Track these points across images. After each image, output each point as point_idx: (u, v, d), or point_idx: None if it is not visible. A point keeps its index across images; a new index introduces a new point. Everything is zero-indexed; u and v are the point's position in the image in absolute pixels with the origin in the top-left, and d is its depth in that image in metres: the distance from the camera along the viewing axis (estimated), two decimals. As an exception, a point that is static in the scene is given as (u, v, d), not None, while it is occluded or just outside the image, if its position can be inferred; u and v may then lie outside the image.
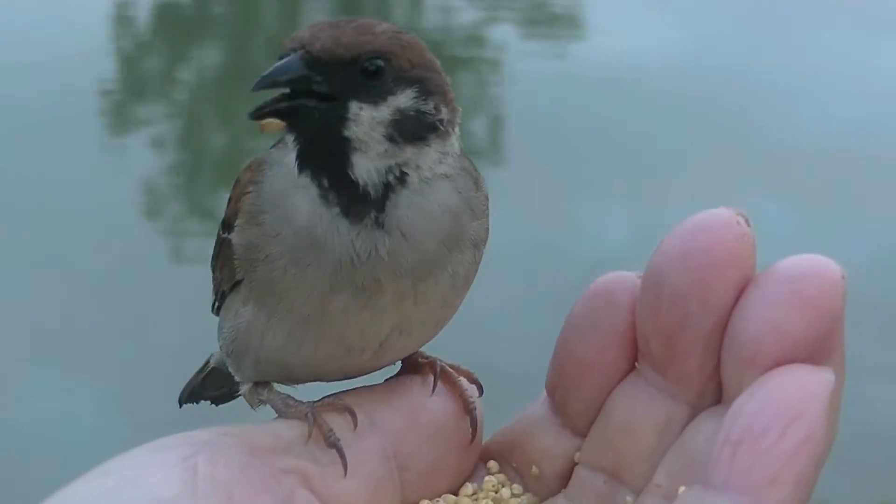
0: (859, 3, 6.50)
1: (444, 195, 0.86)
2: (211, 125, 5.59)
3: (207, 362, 1.10)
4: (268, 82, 0.83)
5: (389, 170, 0.84)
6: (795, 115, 5.18)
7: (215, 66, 6.16)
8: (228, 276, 0.90)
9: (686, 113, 5.20)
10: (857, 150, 4.87)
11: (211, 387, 1.11)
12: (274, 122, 0.84)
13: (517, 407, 0.90)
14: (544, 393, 0.87)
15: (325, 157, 0.84)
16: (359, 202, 0.83)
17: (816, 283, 0.74)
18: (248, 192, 0.88)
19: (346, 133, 0.83)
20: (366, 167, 0.83)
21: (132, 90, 5.69)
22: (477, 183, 0.90)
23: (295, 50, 0.83)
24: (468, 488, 0.85)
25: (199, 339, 1.12)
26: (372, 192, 0.83)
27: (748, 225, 0.76)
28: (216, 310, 0.97)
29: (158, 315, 3.48)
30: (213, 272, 0.95)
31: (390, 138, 0.84)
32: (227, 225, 0.91)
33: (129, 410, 3.19)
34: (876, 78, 5.57)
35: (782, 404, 0.71)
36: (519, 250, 3.88)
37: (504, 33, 6.35)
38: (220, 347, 0.95)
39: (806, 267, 0.75)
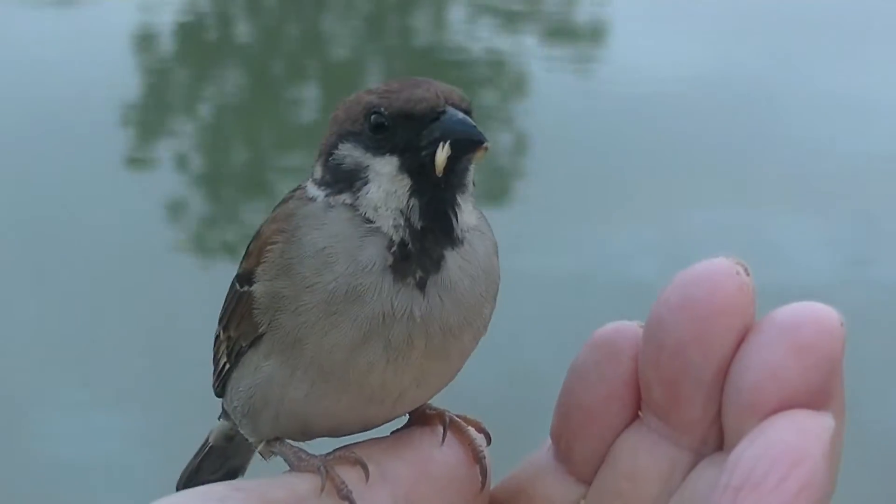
0: (889, 20, 6.47)
1: (480, 251, 0.89)
2: (234, 145, 5.63)
3: (206, 441, 1.12)
4: (481, 136, 0.85)
5: (475, 230, 0.88)
6: (822, 133, 5.17)
7: (237, 86, 6.20)
8: (248, 330, 0.91)
9: (711, 129, 5.20)
10: (884, 166, 4.85)
11: (208, 469, 1.12)
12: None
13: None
14: (548, 440, 0.88)
15: (450, 186, 0.86)
16: (421, 251, 0.85)
17: (814, 330, 0.75)
18: (275, 243, 0.89)
19: (466, 181, 0.87)
20: (464, 220, 0.87)
21: (156, 110, 5.74)
22: (489, 226, 0.92)
23: (445, 105, 0.85)
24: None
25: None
26: (458, 242, 0.86)
27: (747, 274, 0.78)
28: (220, 378, 0.97)
29: (183, 331, 3.50)
30: (225, 332, 0.95)
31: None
32: (245, 278, 0.91)
33: (154, 434, 3.21)
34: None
35: (782, 450, 0.72)
36: (544, 273, 3.88)
37: (527, 48, 6.35)
38: (234, 409, 0.95)
39: (804, 314, 0.76)
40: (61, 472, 3.26)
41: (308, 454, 0.87)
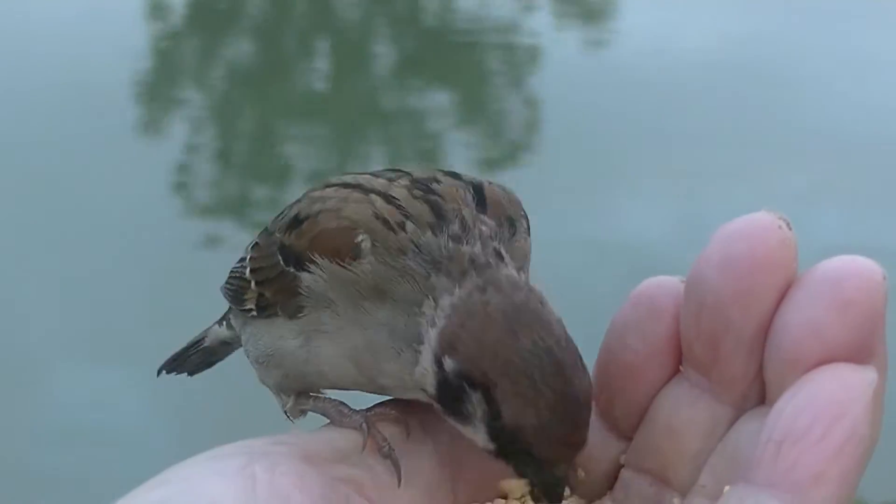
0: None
1: None
2: (243, 114, 5.63)
3: (202, 340, 1.14)
4: None
5: None
6: (836, 106, 5.14)
7: (248, 59, 6.19)
8: (287, 306, 0.90)
9: (724, 102, 5.17)
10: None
11: (193, 361, 1.16)
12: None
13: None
14: None
15: None
16: None
17: (857, 284, 0.75)
18: (339, 253, 0.86)
19: None
20: None
21: (166, 81, 5.73)
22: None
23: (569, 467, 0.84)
24: (516, 491, 0.87)
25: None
26: None
27: (789, 229, 0.77)
28: (241, 313, 0.99)
29: (193, 304, 3.50)
30: (257, 286, 0.95)
31: None
32: (292, 258, 0.90)
33: (167, 400, 3.22)
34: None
35: (825, 403, 0.72)
36: (558, 242, 3.88)
37: (539, 21, 6.33)
38: (247, 351, 0.97)
39: (846, 268, 0.75)
40: (75, 437, 3.28)
41: (350, 409, 0.87)
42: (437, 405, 0.84)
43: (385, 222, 0.86)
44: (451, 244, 0.84)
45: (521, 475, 0.84)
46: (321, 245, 0.87)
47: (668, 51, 5.57)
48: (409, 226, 0.85)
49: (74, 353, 3.60)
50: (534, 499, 0.84)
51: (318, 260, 0.87)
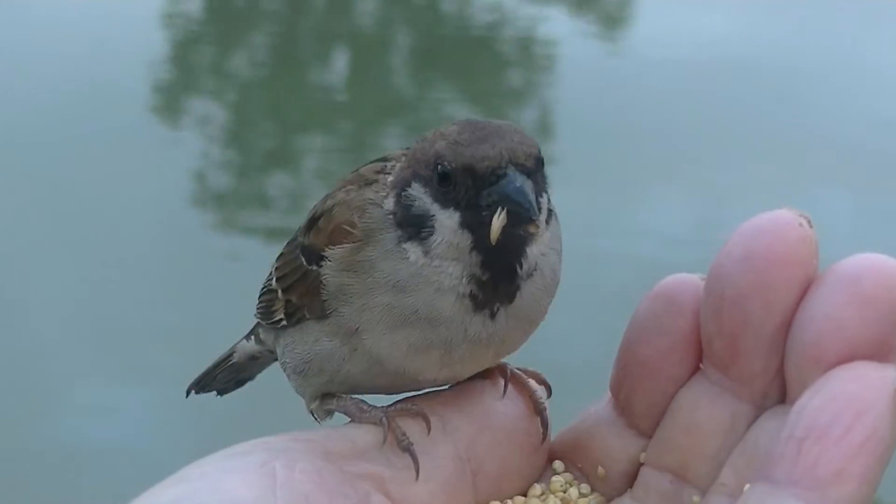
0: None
1: (548, 273, 0.89)
2: (261, 113, 5.63)
3: (230, 356, 1.14)
4: (533, 214, 0.84)
5: (541, 255, 0.88)
6: (853, 104, 5.12)
7: (265, 55, 6.19)
8: (314, 307, 0.92)
9: (739, 100, 5.16)
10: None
11: (223, 379, 1.16)
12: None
13: (580, 404, 0.91)
14: (608, 393, 0.88)
15: (506, 249, 0.86)
16: (493, 293, 0.86)
17: (877, 282, 0.75)
18: (349, 234, 0.90)
19: (528, 238, 0.86)
20: (533, 255, 0.87)
21: (184, 79, 5.74)
22: (557, 222, 0.92)
23: (507, 166, 0.84)
24: (536, 489, 0.86)
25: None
26: (523, 279, 0.87)
27: (810, 226, 0.77)
28: (270, 326, 1.00)
29: (211, 307, 3.50)
30: (284, 294, 0.97)
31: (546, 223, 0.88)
32: (312, 255, 0.93)
33: (185, 410, 3.21)
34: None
35: (846, 401, 0.72)
36: (574, 241, 3.87)
37: (553, 21, 6.32)
38: (284, 364, 0.97)
39: (866, 266, 0.75)
40: (86, 452, 3.27)
41: (370, 406, 0.88)
42: (401, 231, 0.88)
43: (366, 181, 0.93)
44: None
45: (477, 216, 0.85)
46: (332, 236, 0.91)
47: (684, 46, 5.56)
48: (386, 166, 0.93)
49: (87, 368, 3.59)
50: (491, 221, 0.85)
51: (330, 252, 0.90)
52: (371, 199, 0.91)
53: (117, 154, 4.67)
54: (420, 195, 0.87)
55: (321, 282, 0.90)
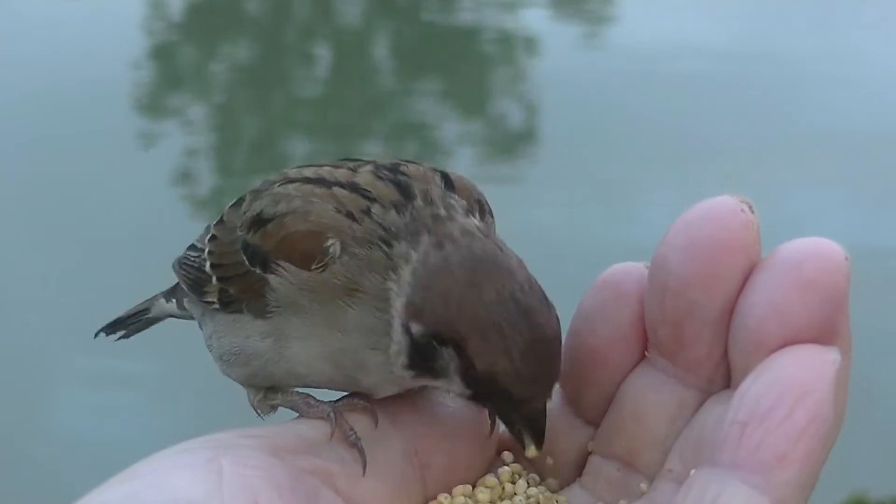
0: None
1: None
2: (244, 117, 5.63)
3: (146, 311, 1.13)
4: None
5: None
6: (835, 102, 5.13)
7: (247, 59, 6.19)
8: (252, 304, 0.89)
9: (723, 99, 5.16)
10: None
11: (135, 328, 1.16)
12: None
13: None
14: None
15: None
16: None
17: (819, 266, 0.75)
18: (317, 268, 0.85)
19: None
20: None
21: (165, 82, 5.73)
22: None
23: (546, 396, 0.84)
24: (486, 480, 0.86)
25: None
26: None
27: (752, 212, 0.77)
28: (201, 303, 0.97)
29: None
30: (219, 281, 0.94)
31: None
32: (258, 259, 0.89)
33: (169, 413, 3.20)
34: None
35: (788, 384, 0.72)
36: (552, 240, 3.87)
37: (536, 18, 6.32)
38: (210, 346, 0.95)
39: (808, 249, 0.76)
40: (77, 449, 3.27)
41: (317, 400, 0.87)
42: (409, 372, 0.84)
43: (349, 215, 0.86)
44: (413, 213, 0.85)
45: (501, 415, 0.84)
46: (289, 250, 0.86)
47: (667, 45, 5.56)
48: (375, 208, 0.86)
49: (75, 366, 3.58)
50: (514, 434, 0.84)
51: (286, 265, 0.86)
52: (363, 254, 0.84)
53: (101, 154, 4.67)
54: (448, 362, 0.83)
55: (269, 286, 0.87)
